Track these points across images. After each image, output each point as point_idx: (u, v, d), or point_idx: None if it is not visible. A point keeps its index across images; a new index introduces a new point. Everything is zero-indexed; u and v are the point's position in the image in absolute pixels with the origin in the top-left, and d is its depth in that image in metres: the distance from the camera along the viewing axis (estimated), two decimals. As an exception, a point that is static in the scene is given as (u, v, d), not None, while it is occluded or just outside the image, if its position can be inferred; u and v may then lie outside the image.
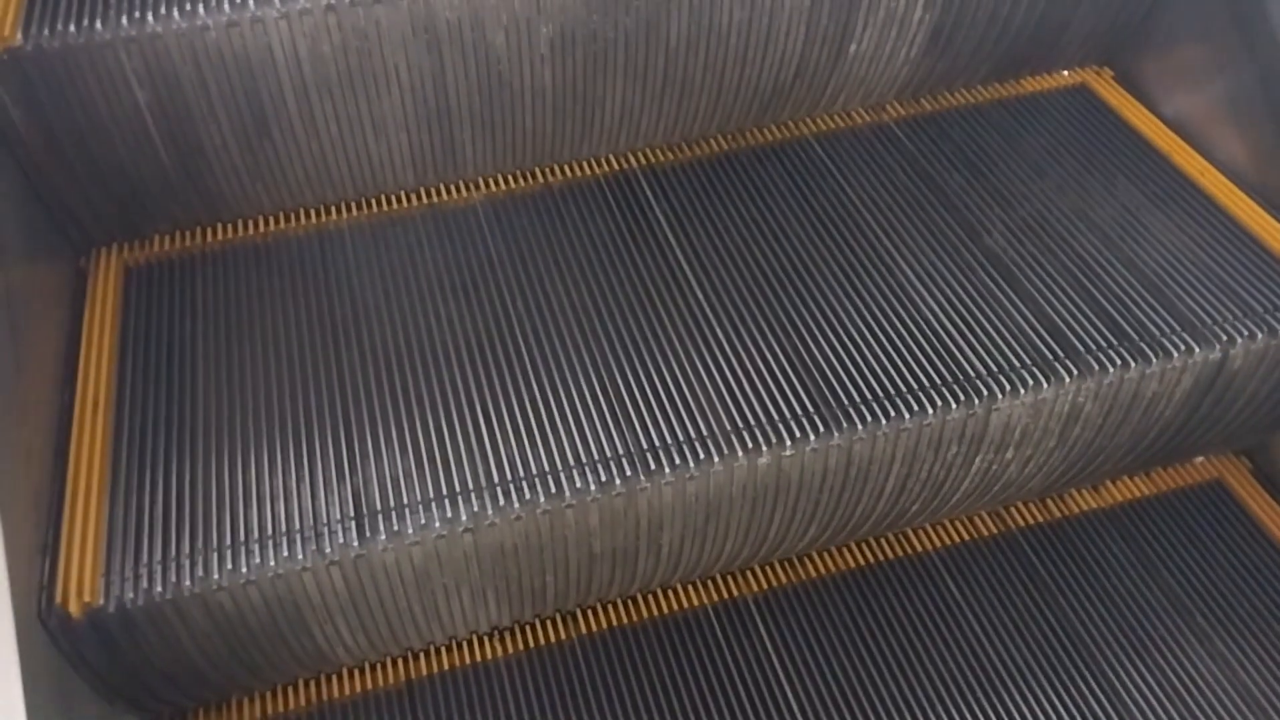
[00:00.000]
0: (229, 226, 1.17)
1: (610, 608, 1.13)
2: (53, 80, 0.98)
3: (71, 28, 0.96)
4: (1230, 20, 1.18)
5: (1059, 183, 1.19)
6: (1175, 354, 1.00)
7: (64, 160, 1.04)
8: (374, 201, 1.20)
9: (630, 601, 1.13)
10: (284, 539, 0.88)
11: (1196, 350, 1.00)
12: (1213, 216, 1.14)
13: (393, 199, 1.20)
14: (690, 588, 1.15)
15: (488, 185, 1.22)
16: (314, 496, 0.92)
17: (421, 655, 1.09)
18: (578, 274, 1.11)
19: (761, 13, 1.10)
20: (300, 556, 0.87)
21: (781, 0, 1.09)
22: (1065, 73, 1.34)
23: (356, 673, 1.07)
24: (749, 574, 1.16)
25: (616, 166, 1.24)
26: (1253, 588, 1.15)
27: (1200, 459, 1.26)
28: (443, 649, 1.09)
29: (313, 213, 1.18)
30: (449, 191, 1.21)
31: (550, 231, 1.16)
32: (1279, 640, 1.11)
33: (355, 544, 0.88)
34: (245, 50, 0.99)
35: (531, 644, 1.10)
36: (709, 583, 1.15)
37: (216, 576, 0.86)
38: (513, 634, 1.11)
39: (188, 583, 0.86)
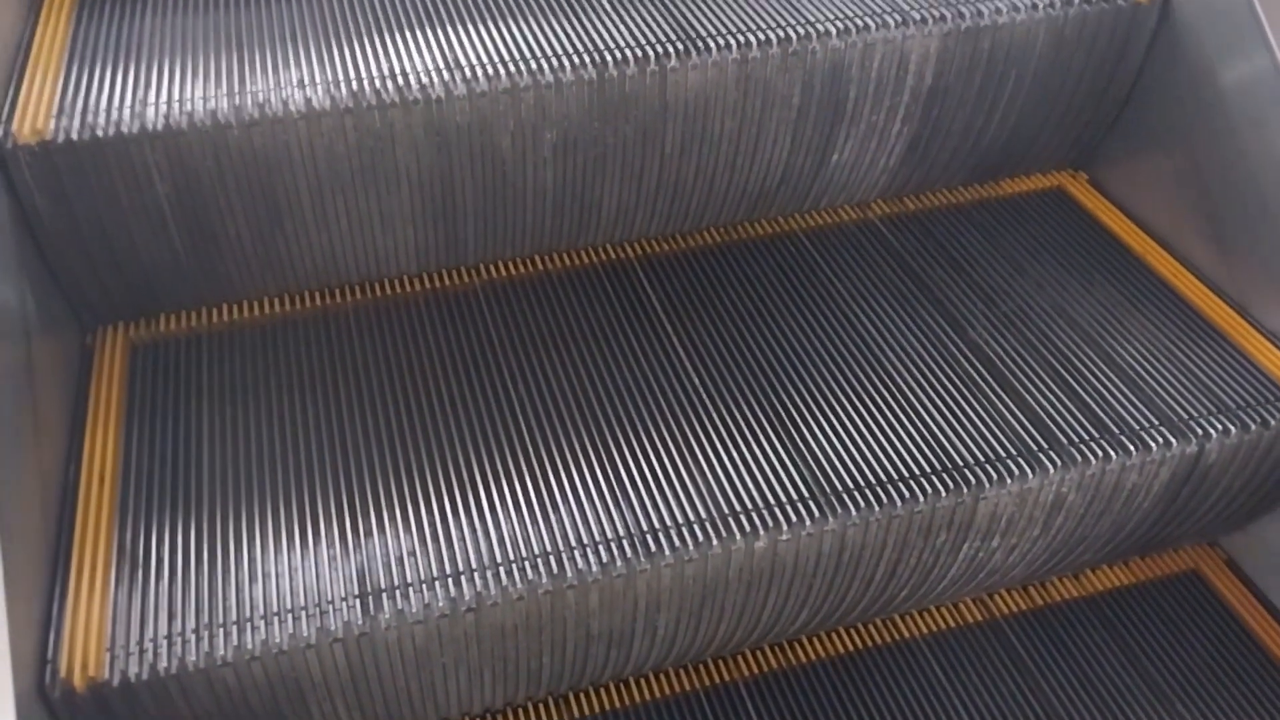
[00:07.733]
0: (234, 307, 1.20)
1: (602, 691, 1.14)
2: (79, 170, 1.01)
3: (100, 121, 1.00)
4: (1194, 129, 1.24)
5: (1038, 280, 1.24)
6: (1154, 447, 1.04)
7: (81, 244, 1.07)
8: (377, 285, 1.23)
9: (622, 685, 1.14)
10: (289, 616, 0.90)
11: (1174, 444, 1.04)
12: (1186, 316, 1.19)
13: (395, 283, 1.24)
14: (681, 671, 1.16)
15: (488, 271, 1.26)
16: (318, 574, 0.93)
17: (414, 736, 1.09)
18: (576, 358, 1.14)
19: (750, 124, 1.16)
20: (305, 634, 0.89)
21: (769, 113, 1.15)
22: (1042, 175, 1.40)
23: (349, 753, 1.08)
24: (739, 658, 1.17)
25: (613, 255, 1.28)
26: (1228, 675, 1.17)
27: (1177, 549, 1.29)
28: (435, 730, 1.10)
29: (317, 295, 1.22)
30: (450, 276, 1.25)
31: (549, 316, 1.20)
32: (1257, 729, 1.14)
33: (359, 622, 0.90)
34: (265, 148, 1.04)
35: (524, 726, 1.11)
36: (700, 667, 1.16)
37: (221, 652, 0.87)
38: (504, 716, 1.12)
39: (192, 658, 0.87)
